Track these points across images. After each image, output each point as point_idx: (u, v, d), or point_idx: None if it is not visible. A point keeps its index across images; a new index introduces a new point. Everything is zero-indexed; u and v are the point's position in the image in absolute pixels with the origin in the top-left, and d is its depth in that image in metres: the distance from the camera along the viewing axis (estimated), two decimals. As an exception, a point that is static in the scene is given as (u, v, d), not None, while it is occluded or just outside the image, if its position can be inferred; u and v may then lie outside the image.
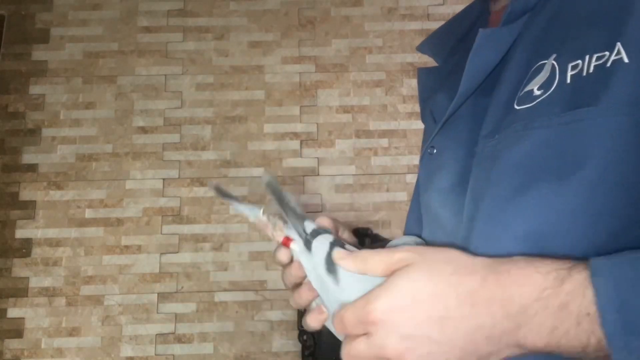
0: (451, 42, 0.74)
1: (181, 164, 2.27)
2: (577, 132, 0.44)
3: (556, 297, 0.38)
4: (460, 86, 0.56)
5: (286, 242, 0.53)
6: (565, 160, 0.44)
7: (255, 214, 0.55)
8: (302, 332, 2.07)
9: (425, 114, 0.70)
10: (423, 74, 0.76)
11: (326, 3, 2.45)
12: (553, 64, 0.48)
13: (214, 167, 2.26)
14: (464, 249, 0.48)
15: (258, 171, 2.24)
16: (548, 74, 0.48)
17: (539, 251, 0.43)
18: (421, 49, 0.77)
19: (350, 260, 0.46)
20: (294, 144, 2.30)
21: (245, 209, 0.56)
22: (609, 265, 0.37)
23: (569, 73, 0.46)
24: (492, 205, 0.49)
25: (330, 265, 0.48)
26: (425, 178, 0.64)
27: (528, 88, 0.50)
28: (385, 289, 0.42)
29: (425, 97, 0.72)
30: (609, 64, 0.43)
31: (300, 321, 2.07)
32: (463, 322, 0.40)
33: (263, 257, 2.18)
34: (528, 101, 0.49)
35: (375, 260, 0.45)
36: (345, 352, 0.45)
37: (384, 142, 2.31)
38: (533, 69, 0.50)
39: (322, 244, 0.49)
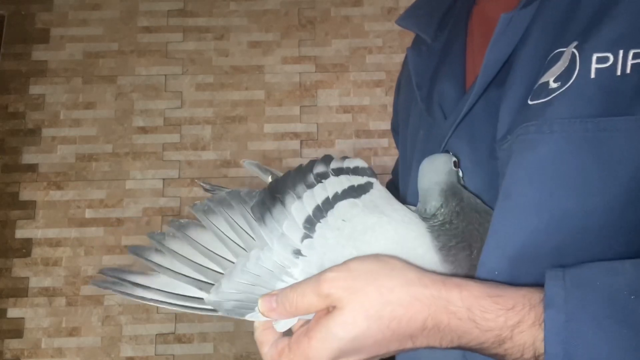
0: (438, 15, 0.66)
1: (181, 164, 2.27)
2: (607, 144, 0.38)
3: (494, 349, 0.38)
4: (478, 78, 0.49)
5: None
6: (591, 175, 0.39)
7: None
8: (302, 332, 2.07)
9: (429, 104, 0.61)
10: (413, 54, 0.67)
11: (326, 3, 2.45)
12: (573, 52, 0.41)
13: (214, 167, 2.26)
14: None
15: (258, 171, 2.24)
16: (567, 63, 0.41)
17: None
18: (403, 23, 0.68)
19: (277, 312, 0.42)
20: (294, 144, 2.30)
21: None
22: (563, 330, 0.35)
23: (594, 65, 0.40)
24: (500, 222, 0.44)
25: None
26: None
27: (543, 80, 0.43)
28: (326, 337, 0.39)
29: (422, 84, 0.63)
30: None
31: (300, 321, 2.07)
32: (401, 351, 0.41)
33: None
34: (543, 95, 0.42)
35: (301, 298, 0.41)
36: None
37: (384, 142, 2.31)
38: (550, 57, 0.44)
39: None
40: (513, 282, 0.41)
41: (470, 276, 0.44)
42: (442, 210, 0.48)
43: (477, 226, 0.46)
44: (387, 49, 2.41)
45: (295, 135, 2.30)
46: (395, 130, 0.77)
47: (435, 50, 0.64)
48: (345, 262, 0.42)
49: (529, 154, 0.42)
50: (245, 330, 2.12)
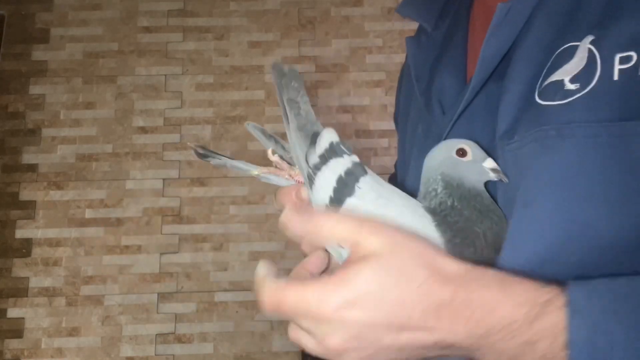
0: (440, 2, 0.63)
1: (181, 164, 2.27)
2: (635, 150, 0.36)
3: (524, 332, 0.34)
4: (475, 74, 0.47)
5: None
6: (620, 183, 0.36)
7: (255, 168, 0.49)
8: (302, 332, 2.07)
9: (427, 98, 0.58)
10: (413, 45, 0.63)
11: (326, 3, 2.45)
12: (591, 50, 0.38)
13: (214, 167, 2.25)
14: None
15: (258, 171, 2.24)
16: (584, 62, 0.38)
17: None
18: (403, 11, 0.65)
19: (298, 214, 0.39)
20: (294, 144, 2.30)
21: (242, 165, 0.49)
22: (589, 305, 0.33)
23: (617, 67, 0.37)
24: (517, 232, 0.41)
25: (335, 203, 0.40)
26: None
27: (555, 78, 0.40)
28: (345, 282, 0.36)
29: (421, 76, 0.60)
30: None
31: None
32: (421, 334, 0.36)
33: (263, 257, 2.18)
34: (559, 96, 0.39)
35: (343, 230, 0.38)
36: (290, 330, 0.40)
37: (384, 142, 2.31)
38: (559, 51, 0.41)
39: (328, 176, 0.40)
40: None
41: None
42: (442, 197, 0.44)
43: (478, 223, 0.43)
44: (387, 49, 2.41)
45: (295, 135, 2.30)
46: (397, 122, 0.74)
47: (436, 40, 0.61)
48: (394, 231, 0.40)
49: (548, 160, 0.39)
50: (245, 331, 2.12)
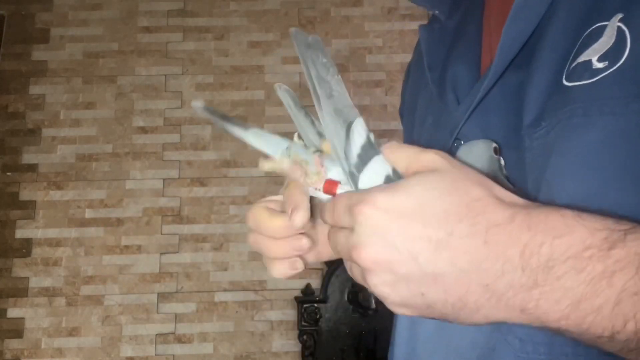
0: None
1: (181, 164, 2.27)
2: None
3: (599, 261, 0.29)
4: (495, 60, 0.44)
5: (330, 188, 0.39)
6: None
7: (277, 148, 0.42)
8: (302, 332, 2.07)
9: (441, 87, 0.55)
10: (425, 33, 0.61)
11: (326, 3, 2.45)
12: (620, 28, 0.36)
13: (214, 167, 2.26)
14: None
15: (258, 171, 2.24)
16: (613, 40, 0.36)
17: None
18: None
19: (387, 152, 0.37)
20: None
21: (259, 138, 0.43)
22: None
23: None
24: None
25: None
26: None
27: (583, 58, 0.38)
28: (393, 186, 0.33)
29: (434, 65, 0.57)
30: None
31: (301, 321, 2.07)
32: (464, 257, 0.31)
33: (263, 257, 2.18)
34: (586, 76, 0.37)
35: (401, 153, 0.36)
36: (329, 239, 0.37)
37: (384, 142, 2.31)
38: (587, 33, 0.39)
39: (372, 178, 0.36)
40: None
41: None
42: None
43: None
44: (387, 49, 2.41)
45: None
46: (402, 115, 0.72)
47: (449, 28, 0.59)
48: None
49: (574, 141, 0.37)
50: (245, 330, 2.12)
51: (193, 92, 2.33)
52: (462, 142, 0.48)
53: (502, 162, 0.46)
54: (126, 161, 2.26)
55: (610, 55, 0.36)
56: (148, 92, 2.33)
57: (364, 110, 2.34)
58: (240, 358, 2.10)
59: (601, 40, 0.37)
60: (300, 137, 0.45)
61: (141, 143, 2.28)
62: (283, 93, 0.47)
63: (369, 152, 0.37)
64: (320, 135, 0.45)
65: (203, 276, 2.16)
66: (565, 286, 0.29)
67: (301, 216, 0.40)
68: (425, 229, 0.31)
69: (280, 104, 0.48)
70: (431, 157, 0.34)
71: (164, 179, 2.25)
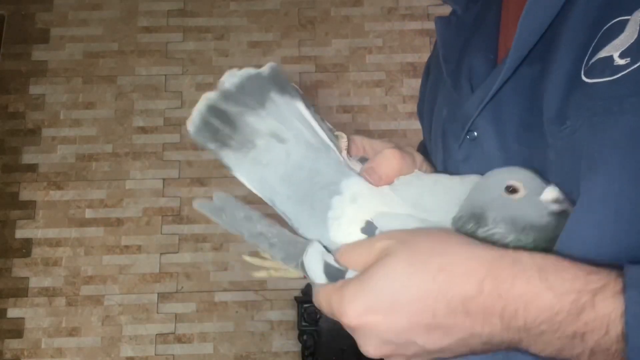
0: None
1: (181, 164, 2.27)
2: None
3: (571, 324, 0.31)
4: (511, 52, 0.43)
5: None
6: None
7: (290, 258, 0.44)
8: (302, 332, 2.07)
9: (456, 78, 0.54)
10: (442, 25, 0.61)
11: (326, 3, 2.45)
12: None
13: (214, 167, 2.26)
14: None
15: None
16: (636, 35, 0.35)
17: None
18: None
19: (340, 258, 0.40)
20: (294, 144, 2.30)
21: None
22: None
23: None
24: (575, 218, 0.37)
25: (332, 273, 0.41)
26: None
27: (603, 54, 0.37)
28: (361, 286, 0.35)
29: (449, 57, 0.57)
30: None
31: (301, 321, 2.07)
32: (455, 331, 0.34)
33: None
34: (607, 73, 0.36)
35: (354, 254, 0.39)
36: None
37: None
38: (606, 27, 0.37)
39: (313, 260, 0.41)
40: None
41: None
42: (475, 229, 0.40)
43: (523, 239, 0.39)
44: (387, 49, 2.41)
45: (295, 135, 2.30)
46: (421, 113, 0.71)
47: (466, 22, 0.58)
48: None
49: (595, 140, 0.36)
50: (245, 330, 2.12)
51: (193, 92, 2.33)
52: (475, 134, 0.48)
53: (549, 194, 0.40)
54: (126, 161, 2.26)
55: (632, 52, 0.35)
56: (148, 92, 2.33)
57: (363, 111, 2.34)
58: (240, 358, 2.10)
59: (622, 35, 0.36)
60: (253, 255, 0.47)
61: (141, 143, 2.28)
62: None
63: (332, 271, 0.40)
64: (331, 129, 0.47)
65: (203, 276, 2.17)
66: (545, 341, 0.32)
67: None
68: (410, 319, 0.34)
69: None
70: (383, 245, 0.36)
71: (164, 179, 2.25)
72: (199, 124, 0.43)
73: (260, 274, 0.46)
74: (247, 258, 0.47)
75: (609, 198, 0.35)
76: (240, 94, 0.42)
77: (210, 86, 0.41)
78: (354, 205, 0.43)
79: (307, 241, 0.42)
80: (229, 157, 0.44)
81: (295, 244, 0.43)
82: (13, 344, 2.07)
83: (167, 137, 2.29)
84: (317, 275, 0.41)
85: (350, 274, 0.39)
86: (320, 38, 2.41)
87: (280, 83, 0.44)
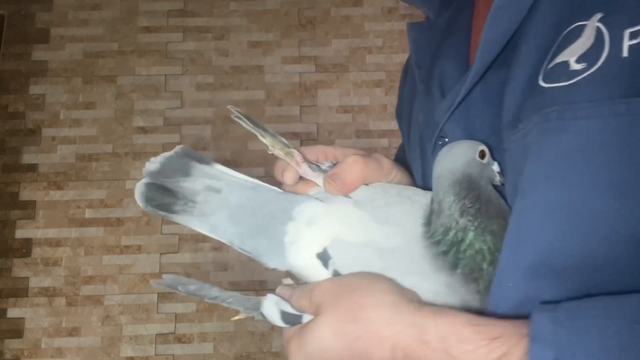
0: None
1: (181, 164, 2.26)
2: None
3: None
4: (477, 58, 0.43)
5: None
6: (627, 168, 0.32)
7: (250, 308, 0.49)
8: (302, 332, 2.07)
9: (428, 84, 0.55)
10: (414, 31, 0.61)
11: (326, 3, 2.45)
12: (599, 28, 0.35)
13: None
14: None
15: (258, 171, 2.24)
16: (592, 41, 0.35)
17: (582, 289, 0.33)
18: None
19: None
20: (294, 144, 2.29)
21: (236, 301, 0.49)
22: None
23: (626, 42, 0.33)
24: (517, 225, 0.38)
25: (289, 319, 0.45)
26: None
27: (561, 59, 0.37)
28: (299, 342, 0.41)
29: (422, 63, 0.57)
30: None
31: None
32: None
33: (263, 257, 2.18)
34: (563, 78, 0.36)
35: (301, 303, 0.43)
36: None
37: (384, 142, 2.31)
38: (565, 32, 0.38)
39: (270, 311, 0.46)
40: (529, 299, 0.35)
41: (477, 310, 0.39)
42: (453, 207, 0.42)
43: (490, 244, 0.40)
44: (387, 49, 2.41)
45: (295, 135, 2.30)
46: (400, 117, 0.72)
47: (438, 26, 0.58)
48: (346, 275, 0.43)
49: (549, 145, 0.36)
50: (245, 330, 2.12)
51: (193, 92, 2.33)
52: (447, 140, 0.48)
53: (496, 167, 0.45)
54: (126, 161, 2.26)
55: (588, 57, 0.35)
56: (148, 92, 2.33)
57: (363, 111, 2.34)
58: (240, 358, 2.10)
59: (579, 40, 0.36)
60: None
61: (141, 143, 2.28)
62: (238, 119, 0.53)
63: (289, 318, 0.45)
64: (286, 145, 0.52)
65: (203, 276, 2.16)
66: None
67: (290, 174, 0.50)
68: None
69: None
70: (317, 301, 0.40)
71: (164, 179, 2.24)
72: (143, 201, 0.49)
73: (237, 317, 0.50)
74: (233, 318, 0.51)
75: (565, 203, 0.35)
76: (166, 171, 0.49)
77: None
78: (310, 228, 0.46)
79: (259, 299, 0.47)
80: (179, 219, 0.50)
81: (249, 300, 0.47)
82: (13, 344, 2.07)
83: (167, 137, 2.29)
84: (278, 323, 0.45)
85: (306, 317, 0.43)
86: (320, 38, 2.41)
87: (194, 156, 0.51)
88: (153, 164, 0.50)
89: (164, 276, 0.49)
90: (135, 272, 2.15)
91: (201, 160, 0.51)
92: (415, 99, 0.60)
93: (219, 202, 0.49)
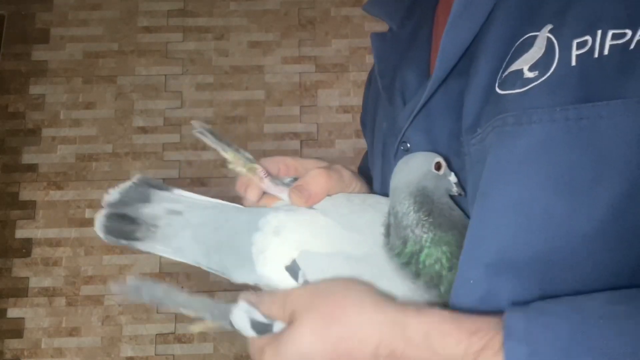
0: (406, 0, 0.62)
1: (181, 164, 2.27)
2: (593, 132, 0.34)
3: None
4: (436, 67, 0.45)
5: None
6: (576, 170, 0.34)
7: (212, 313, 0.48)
8: (302, 332, 2.07)
9: (391, 93, 0.56)
10: (377, 41, 0.63)
11: (326, 3, 2.45)
12: (549, 38, 0.37)
13: (214, 167, 2.26)
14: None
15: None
16: (543, 50, 0.37)
17: (540, 283, 0.36)
18: (369, 9, 0.64)
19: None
20: (294, 144, 2.30)
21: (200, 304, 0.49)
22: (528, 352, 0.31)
23: (574, 52, 0.36)
24: (477, 224, 0.40)
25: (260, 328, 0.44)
26: None
27: (515, 67, 0.39)
28: (275, 352, 0.40)
29: (384, 72, 0.58)
30: (632, 46, 0.33)
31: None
32: None
33: (263, 257, 2.18)
34: (518, 85, 0.38)
35: (273, 311, 0.42)
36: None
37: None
38: (518, 42, 0.40)
39: (240, 319, 0.45)
40: (489, 294, 0.37)
41: None
42: (409, 219, 0.43)
43: (447, 253, 0.42)
44: (387, 49, 2.41)
45: (295, 135, 2.31)
46: (364, 124, 0.74)
47: (401, 37, 0.60)
48: (321, 281, 0.43)
49: (506, 148, 0.38)
50: (245, 330, 2.12)
51: (193, 92, 2.33)
52: (409, 145, 0.50)
53: (453, 178, 0.46)
54: (126, 161, 2.26)
55: (540, 65, 0.37)
56: (148, 92, 2.33)
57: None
58: (240, 358, 2.10)
59: (532, 50, 0.38)
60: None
61: (141, 143, 2.28)
62: (201, 133, 0.53)
63: (259, 327, 0.43)
64: (250, 160, 0.52)
65: (203, 276, 2.16)
66: None
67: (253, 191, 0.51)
68: None
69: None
70: (291, 308, 0.40)
71: (164, 179, 2.25)
72: (103, 232, 0.48)
73: (198, 327, 0.49)
74: (193, 327, 0.49)
75: (521, 205, 0.37)
76: (126, 199, 0.49)
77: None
78: (277, 237, 0.46)
79: (228, 305, 0.46)
80: (142, 246, 0.49)
81: (218, 307, 0.46)
82: (13, 344, 2.07)
83: (167, 137, 2.29)
84: (247, 332, 0.44)
85: (277, 326, 0.42)
86: (320, 38, 2.41)
87: (152, 183, 0.50)
88: (112, 195, 0.49)
89: (128, 279, 0.47)
90: (135, 272, 2.15)
91: (161, 187, 0.51)
92: (379, 107, 0.61)
93: (181, 224, 0.49)
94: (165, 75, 2.35)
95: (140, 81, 2.34)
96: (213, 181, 2.24)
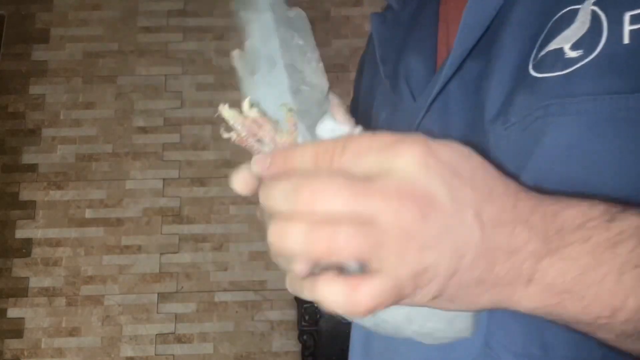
0: None
1: (181, 164, 2.27)
2: None
3: (603, 232, 0.27)
4: (453, 50, 0.40)
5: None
6: (627, 167, 0.31)
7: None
8: (302, 332, 2.07)
9: (394, 81, 0.51)
10: (378, 22, 0.57)
11: (326, 3, 2.45)
12: (594, 12, 0.32)
13: (214, 167, 2.26)
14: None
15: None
16: (587, 25, 0.32)
17: None
18: None
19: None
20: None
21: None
22: None
23: (627, 27, 0.31)
24: None
25: None
26: None
27: (553, 46, 0.34)
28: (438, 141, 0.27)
29: (387, 57, 0.53)
30: None
31: (301, 321, 2.07)
32: (500, 214, 0.27)
33: (263, 257, 2.18)
34: (558, 67, 0.33)
35: (370, 156, 0.28)
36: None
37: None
38: (556, 17, 0.35)
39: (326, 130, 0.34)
40: None
41: None
42: None
43: None
44: (387, 49, 2.41)
45: (295, 135, 2.30)
46: (355, 114, 0.68)
47: (402, 19, 0.55)
48: None
49: (549, 142, 0.33)
50: (245, 330, 2.12)
51: (193, 92, 2.33)
52: None
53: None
54: (126, 161, 2.26)
55: (585, 43, 0.33)
56: (148, 92, 2.33)
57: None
58: (240, 358, 2.10)
59: (573, 26, 0.33)
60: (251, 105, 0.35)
61: (141, 143, 2.28)
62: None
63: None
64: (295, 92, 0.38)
65: (203, 276, 2.16)
66: (572, 256, 0.27)
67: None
68: (474, 193, 0.27)
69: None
70: (403, 139, 0.28)
71: (164, 179, 2.25)
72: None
73: (229, 134, 0.37)
74: (223, 108, 0.36)
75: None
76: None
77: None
78: None
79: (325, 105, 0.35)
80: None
81: (322, 104, 0.34)
82: (13, 344, 2.07)
83: (167, 137, 2.29)
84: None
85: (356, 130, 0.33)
86: (320, 38, 2.41)
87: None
88: None
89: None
90: (135, 272, 2.15)
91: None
92: (377, 95, 0.56)
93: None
94: (165, 75, 2.35)
95: (140, 81, 2.34)
96: (213, 181, 2.24)
